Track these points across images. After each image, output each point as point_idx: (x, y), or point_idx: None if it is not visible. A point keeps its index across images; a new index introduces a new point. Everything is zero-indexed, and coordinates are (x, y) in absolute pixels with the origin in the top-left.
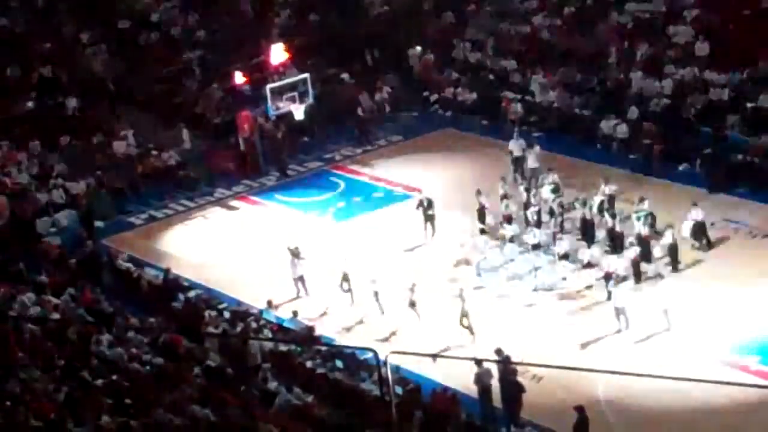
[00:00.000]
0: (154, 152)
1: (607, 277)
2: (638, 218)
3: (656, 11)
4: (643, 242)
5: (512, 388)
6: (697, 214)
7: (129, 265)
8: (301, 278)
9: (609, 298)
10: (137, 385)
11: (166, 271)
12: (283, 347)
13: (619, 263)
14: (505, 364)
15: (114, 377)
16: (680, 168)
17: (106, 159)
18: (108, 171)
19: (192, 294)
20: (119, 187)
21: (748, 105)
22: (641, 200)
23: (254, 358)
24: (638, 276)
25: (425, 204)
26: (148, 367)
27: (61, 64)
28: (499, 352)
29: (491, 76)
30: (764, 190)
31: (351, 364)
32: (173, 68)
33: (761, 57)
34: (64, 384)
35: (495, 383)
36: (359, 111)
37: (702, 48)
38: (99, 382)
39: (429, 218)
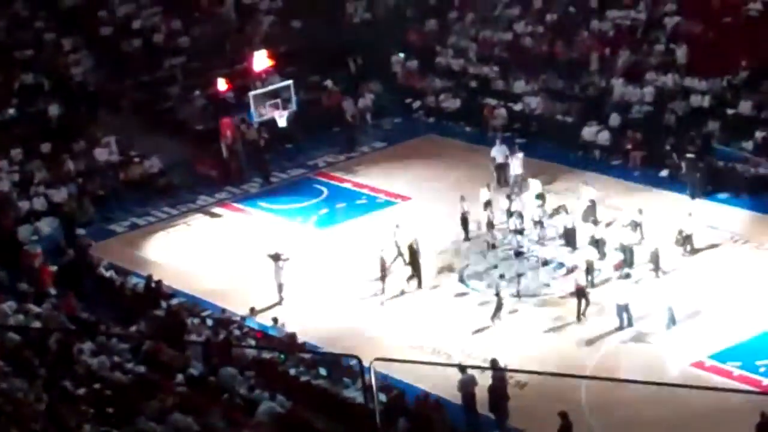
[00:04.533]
0: (136, 159)
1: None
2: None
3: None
4: (626, 249)
5: (497, 395)
6: (685, 223)
7: (111, 272)
8: (280, 285)
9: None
10: (119, 393)
11: (148, 279)
12: (266, 354)
13: (603, 266)
14: (493, 371)
15: (96, 386)
16: (662, 174)
17: (88, 166)
18: (90, 178)
19: (175, 301)
20: (101, 195)
21: (729, 111)
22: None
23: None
24: None
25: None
26: (130, 376)
27: (42, 71)
28: (494, 362)
29: (474, 83)
30: (745, 196)
31: (335, 372)
32: (156, 75)
33: (741, 64)
34: (45, 393)
35: (478, 390)
36: (348, 117)
37: (683, 55)
38: (81, 391)
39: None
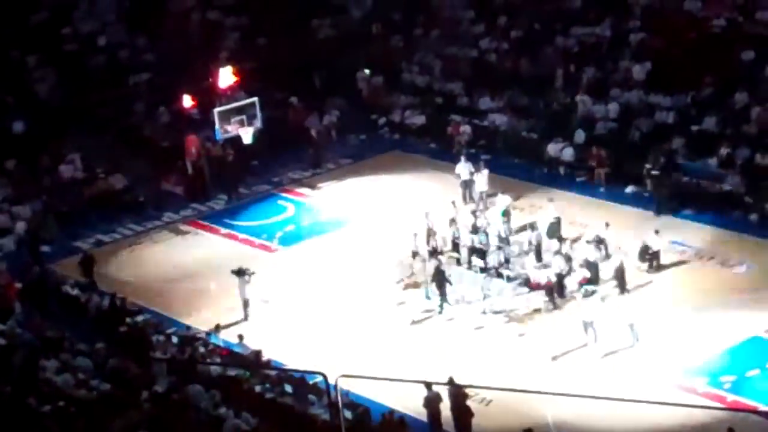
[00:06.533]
0: (101, 176)
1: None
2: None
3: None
4: (591, 265)
5: (461, 412)
6: (650, 240)
7: (76, 290)
8: (246, 301)
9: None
10: (84, 411)
11: (113, 296)
12: (231, 372)
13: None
14: (455, 388)
15: (61, 404)
16: (627, 190)
17: (53, 183)
18: (54, 195)
19: (140, 318)
20: (66, 211)
21: (693, 128)
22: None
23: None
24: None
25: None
26: (95, 393)
27: (7, 88)
28: (451, 381)
29: (439, 100)
30: (711, 212)
31: (300, 389)
32: (121, 91)
33: (705, 80)
34: (10, 411)
35: (444, 407)
36: (312, 133)
37: (647, 72)
38: (46, 408)
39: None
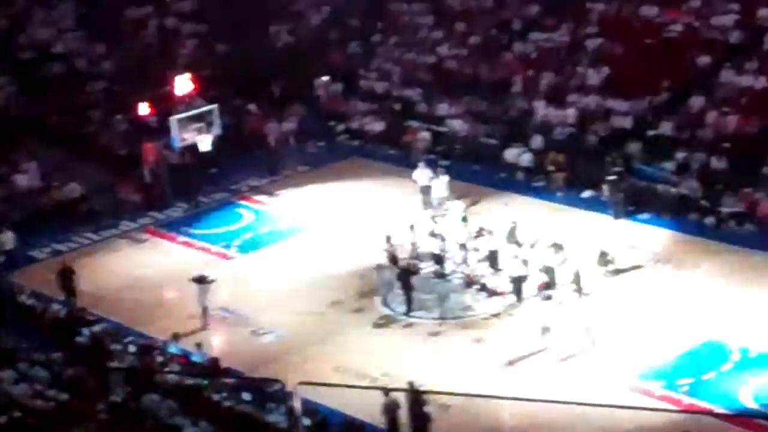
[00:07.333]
0: (57, 184)
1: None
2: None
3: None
4: (549, 269)
5: (420, 418)
6: (607, 244)
7: (32, 299)
8: (205, 309)
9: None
10: (42, 421)
11: (71, 305)
12: (188, 380)
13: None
14: (413, 393)
15: (17, 414)
16: (584, 195)
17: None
18: (10, 204)
19: (97, 328)
20: (21, 221)
21: (650, 132)
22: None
23: None
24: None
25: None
26: (52, 403)
27: None
28: (411, 385)
29: (397, 106)
30: (667, 216)
31: (258, 396)
32: (77, 99)
33: (662, 85)
34: None
35: (402, 414)
36: (270, 141)
37: (604, 77)
38: (2, 419)
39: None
